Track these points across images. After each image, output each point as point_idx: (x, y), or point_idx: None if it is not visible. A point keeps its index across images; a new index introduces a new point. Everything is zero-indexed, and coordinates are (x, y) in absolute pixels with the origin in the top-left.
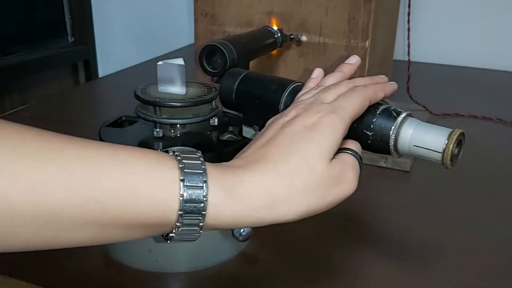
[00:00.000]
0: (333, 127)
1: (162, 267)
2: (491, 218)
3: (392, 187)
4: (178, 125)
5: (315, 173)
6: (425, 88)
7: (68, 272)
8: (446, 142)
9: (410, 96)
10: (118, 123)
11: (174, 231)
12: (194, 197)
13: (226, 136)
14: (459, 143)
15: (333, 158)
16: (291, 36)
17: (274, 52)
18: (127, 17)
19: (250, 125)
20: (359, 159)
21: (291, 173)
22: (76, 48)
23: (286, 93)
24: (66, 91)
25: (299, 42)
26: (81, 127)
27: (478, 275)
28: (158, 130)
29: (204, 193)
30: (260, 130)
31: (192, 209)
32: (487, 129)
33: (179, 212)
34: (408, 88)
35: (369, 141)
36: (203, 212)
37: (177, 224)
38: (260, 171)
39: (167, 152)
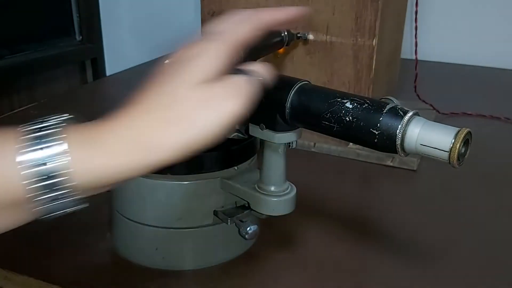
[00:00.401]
0: (209, 52)
1: (169, 265)
2: (498, 217)
3: (399, 186)
4: None
5: (185, 99)
6: (432, 87)
7: (75, 269)
8: (453, 141)
9: (418, 95)
10: None
11: (41, 199)
12: (43, 159)
13: (233, 135)
14: (466, 142)
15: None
16: (298, 35)
17: (281, 50)
18: (134, 15)
19: (256, 123)
20: (259, 80)
21: (158, 106)
22: (84, 47)
23: (293, 92)
24: (74, 90)
25: (306, 41)
26: None
27: (485, 275)
28: None
29: (57, 151)
30: (266, 128)
31: (46, 172)
32: (494, 128)
33: (33, 179)
34: (415, 87)
35: (375, 140)
36: (63, 171)
37: (38, 191)
38: (123, 114)
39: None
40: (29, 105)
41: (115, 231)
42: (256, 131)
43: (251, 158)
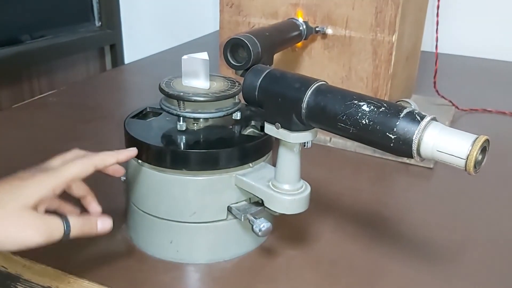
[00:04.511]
0: (38, 182)
1: (183, 258)
2: None
3: (415, 184)
4: (201, 119)
5: (15, 213)
6: (452, 81)
7: (92, 259)
8: (470, 148)
9: (437, 91)
10: (143, 115)
11: None
12: None
13: (248, 131)
14: (483, 149)
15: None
16: (317, 29)
17: (299, 44)
18: (153, 2)
19: (272, 122)
20: (64, 223)
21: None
22: (103, 33)
23: (309, 92)
24: (93, 78)
25: (324, 35)
26: (106, 115)
27: (500, 276)
28: (181, 123)
29: None
30: (281, 127)
31: None
32: None
33: None
34: (434, 82)
35: (391, 144)
36: None
37: None
38: None
39: None
40: (49, 92)
41: (130, 223)
42: (272, 130)
43: (266, 155)
